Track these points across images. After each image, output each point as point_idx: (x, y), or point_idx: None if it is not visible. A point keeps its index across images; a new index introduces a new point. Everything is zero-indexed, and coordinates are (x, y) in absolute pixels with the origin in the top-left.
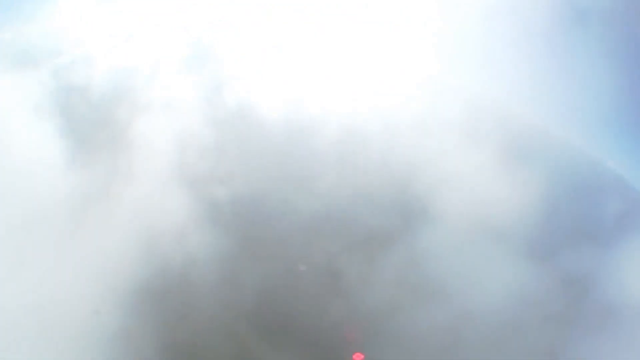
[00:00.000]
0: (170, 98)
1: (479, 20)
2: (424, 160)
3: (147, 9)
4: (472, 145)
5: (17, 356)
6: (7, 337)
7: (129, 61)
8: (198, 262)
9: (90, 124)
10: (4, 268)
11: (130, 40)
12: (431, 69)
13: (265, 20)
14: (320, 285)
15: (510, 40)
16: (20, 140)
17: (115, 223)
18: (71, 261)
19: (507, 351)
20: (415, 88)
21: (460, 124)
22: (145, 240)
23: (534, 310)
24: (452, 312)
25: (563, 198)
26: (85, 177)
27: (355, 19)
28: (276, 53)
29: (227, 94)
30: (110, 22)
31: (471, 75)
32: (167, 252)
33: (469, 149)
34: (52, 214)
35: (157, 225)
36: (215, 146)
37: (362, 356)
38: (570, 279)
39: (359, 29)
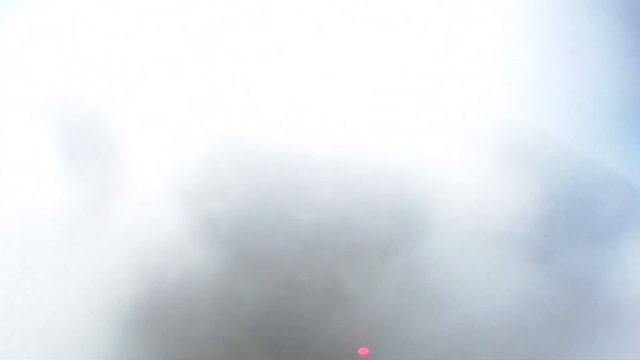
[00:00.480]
0: (165, 108)
1: (475, 21)
2: (421, 165)
3: (147, 9)
4: (469, 148)
5: None
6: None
7: (124, 67)
8: (196, 276)
9: (83, 136)
10: None
11: (127, 43)
12: (426, 72)
13: (266, 21)
14: (321, 295)
15: (504, 40)
16: (11, 152)
17: (110, 239)
18: (67, 278)
19: (513, 355)
20: (410, 92)
21: (456, 127)
22: (141, 255)
23: (538, 313)
24: (456, 318)
25: (563, 199)
26: (79, 192)
27: (352, 22)
28: (273, 57)
29: (223, 103)
30: (108, 23)
31: (466, 77)
32: (164, 267)
33: (466, 153)
34: (46, 229)
35: (153, 240)
36: (209, 158)
37: (367, 350)
38: (573, 280)
39: (355, 33)
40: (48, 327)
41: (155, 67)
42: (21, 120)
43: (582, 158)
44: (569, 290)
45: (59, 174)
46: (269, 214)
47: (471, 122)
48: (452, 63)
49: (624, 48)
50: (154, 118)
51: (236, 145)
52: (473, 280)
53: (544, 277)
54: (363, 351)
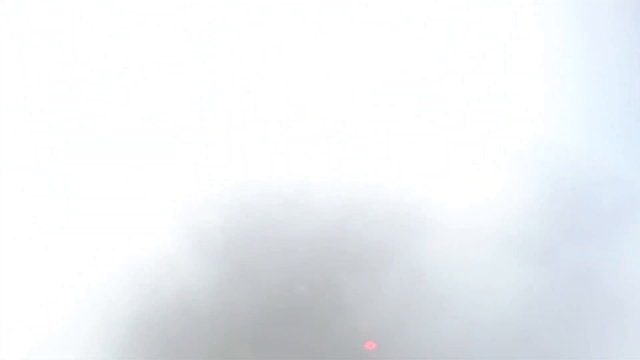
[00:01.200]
0: (163, 109)
1: (474, 21)
2: (417, 168)
3: (147, 9)
4: (468, 149)
5: None
6: None
7: (124, 67)
8: (192, 289)
9: (79, 139)
10: None
11: (127, 43)
12: (426, 72)
13: (266, 21)
14: (321, 306)
15: (502, 40)
16: (10, 153)
17: (104, 251)
18: (59, 291)
19: (517, 355)
20: (409, 93)
21: (455, 128)
22: (136, 268)
23: (541, 312)
24: (459, 321)
25: (562, 197)
26: (73, 197)
27: (352, 22)
28: (273, 58)
29: (221, 105)
30: (107, 23)
31: (466, 77)
32: (160, 280)
33: (465, 154)
34: (39, 237)
35: (147, 253)
36: (204, 167)
37: (375, 345)
38: (575, 278)
39: (355, 33)
40: (39, 341)
41: (154, 68)
42: (21, 120)
43: (580, 155)
44: (571, 289)
45: (54, 178)
46: (266, 223)
47: (470, 122)
48: (452, 63)
49: (622, 43)
50: (152, 119)
51: (232, 152)
52: (474, 282)
53: (545, 276)
54: (370, 345)
